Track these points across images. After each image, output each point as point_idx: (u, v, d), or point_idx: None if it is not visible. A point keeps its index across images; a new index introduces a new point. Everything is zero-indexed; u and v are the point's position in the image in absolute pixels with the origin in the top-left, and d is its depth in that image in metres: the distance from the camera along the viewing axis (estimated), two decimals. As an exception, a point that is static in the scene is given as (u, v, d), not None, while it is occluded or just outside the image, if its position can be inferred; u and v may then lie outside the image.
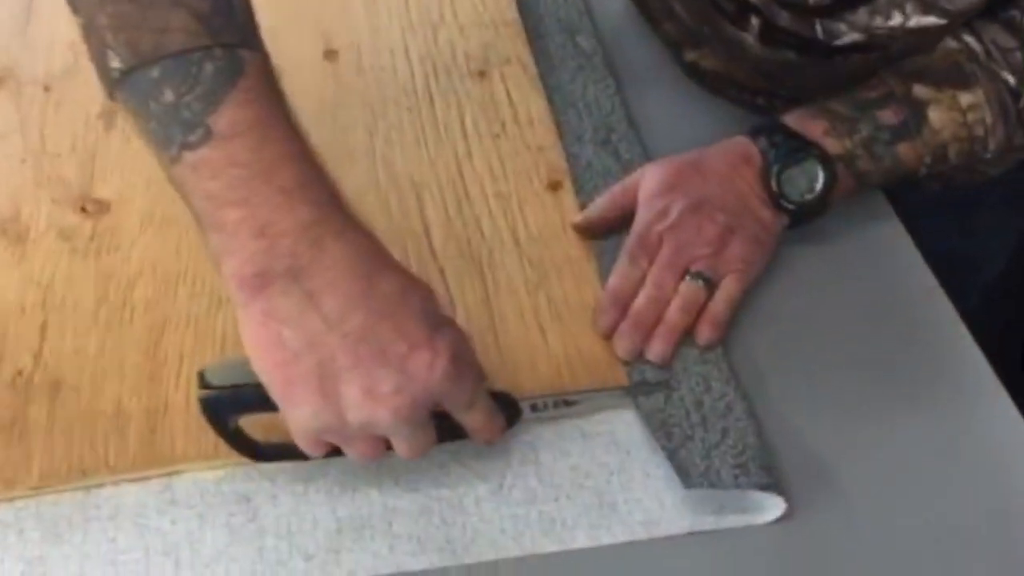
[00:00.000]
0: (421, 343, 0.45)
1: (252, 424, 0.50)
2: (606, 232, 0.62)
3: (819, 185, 0.59)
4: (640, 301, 0.57)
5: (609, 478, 0.52)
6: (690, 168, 0.61)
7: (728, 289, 0.58)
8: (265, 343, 0.45)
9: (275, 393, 0.45)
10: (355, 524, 0.50)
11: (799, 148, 0.60)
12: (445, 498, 0.51)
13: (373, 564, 0.49)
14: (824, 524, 0.50)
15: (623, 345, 0.56)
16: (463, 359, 0.47)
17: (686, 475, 0.51)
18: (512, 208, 0.64)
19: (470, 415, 0.49)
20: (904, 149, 0.60)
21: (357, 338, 0.44)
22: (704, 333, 0.56)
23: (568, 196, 0.64)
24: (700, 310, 0.57)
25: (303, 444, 0.47)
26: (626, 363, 0.56)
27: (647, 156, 0.67)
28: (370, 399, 0.44)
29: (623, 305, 0.57)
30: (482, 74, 0.73)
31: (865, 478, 0.52)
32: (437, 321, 0.47)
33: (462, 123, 0.70)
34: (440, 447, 0.52)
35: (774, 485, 0.50)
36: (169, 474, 0.51)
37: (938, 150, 0.60)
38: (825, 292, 0.61)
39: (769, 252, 0.60)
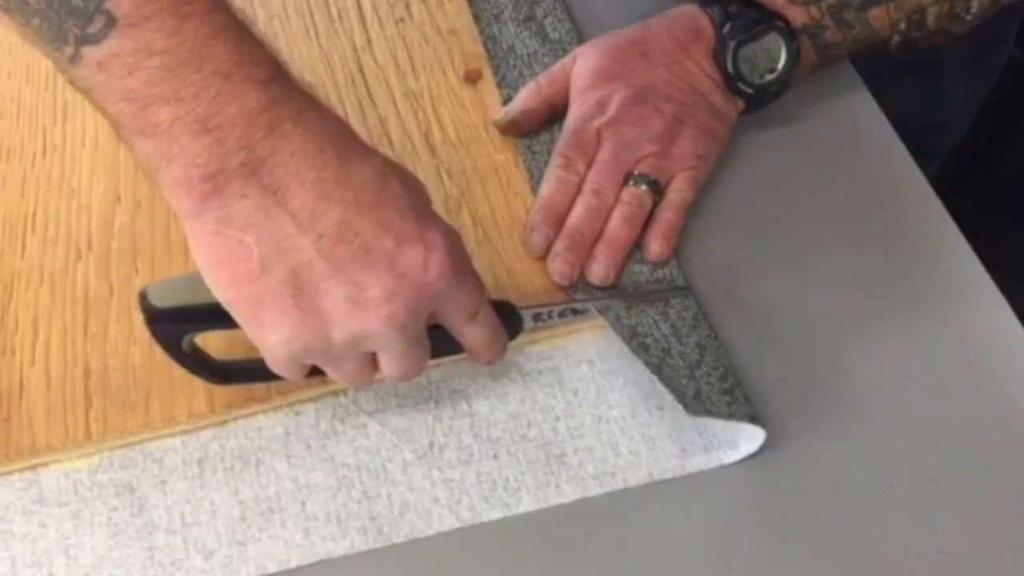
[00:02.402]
0: (411, 236, 0.38)
1: (207, 341, 0.43)
2: (534, 130, 0.53)
3: (781, 64, 0.51)
4: (577, 213, 0.49)
5: (555, 425, 0.45)
6: (631, 49, 0.52)
7: (679, 192, 0.50)
8: (223, 257, 0.37)
9: (241, 316, 0.38)
10: (262, 508, 0.43)
11: (758, 20, 0.51)
12: (366, 466, 0.44)
13: (286, 555, 0.42)
14: (801, 456, 0.44)
15: (558, 268, 0.48)
16: (461, 258, 0.40)
17: (683, 399, 0.43)
18: (424, 108, 0.54)
19: (471, 328, 0.42)
20: (877, 15, 0.51)
21: (334, 237, 0.37)
22: (654, 246, 0.49)
23: (489, 89, 0.55)
24: (647, 219, 0.49)
25: (280, 370, 0.40)
26: (569, 288, 0.48)
27: (579, 34, 0.58)
28: (358, 308, 0.38)
29: (557, 219, 0.49)
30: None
31: (845, 392, 0.46)
32: (427, 211, 0.40)
33: (359, 6, 0.59)
34: (357, 405, 0.45)
35: (758, 417, 0.44)
36: (33, 467, 0.43)
37: (914, 15, 0.51)
38: (786, 181, 0.53)
39: (723, 143, 0.52)
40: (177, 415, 0.44)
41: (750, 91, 0.52)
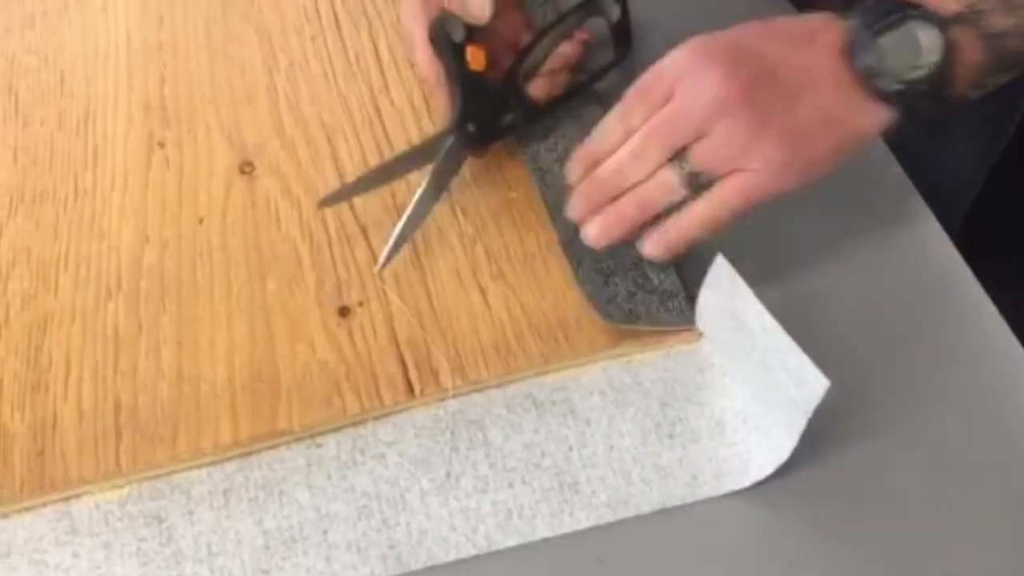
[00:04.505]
0: None
1: None
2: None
3: (931, 57, 0.42)
4: (607, 166, 0.45)
5: (568, 454, 0.46)
6: (744, 41, 0.44)
7: (722, 200, 0.43)
8: None
9: None
10: (285, 537, 0.44)
11: (893, 9, 0.43)
12: (385, 495, 0.45)
13: (308, 582, 0.43)
14: (808, 483, 0.45)
15: (573, 203, 0.47)
16: None
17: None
18: (439, 147, 0.56)
19: None
20: None
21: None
22: (647, 246, 0.46)
23: (501, 128, 0.57)
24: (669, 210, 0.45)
25: None
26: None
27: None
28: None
29: (592, 166, 0.46)
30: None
31: (852, 418, 0.46)
32: None
33: (375, 50, 0.61)
34: (376, 436, 0.47)
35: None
36: (66, 499, 0.45)
37: None
38: (799, 224, 0.52)
39: (826, 162, 0.44)
40: (203, 447, 0.46)
41: (898, 87, 0.43)
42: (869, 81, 0.43)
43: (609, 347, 0.48)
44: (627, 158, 0.45)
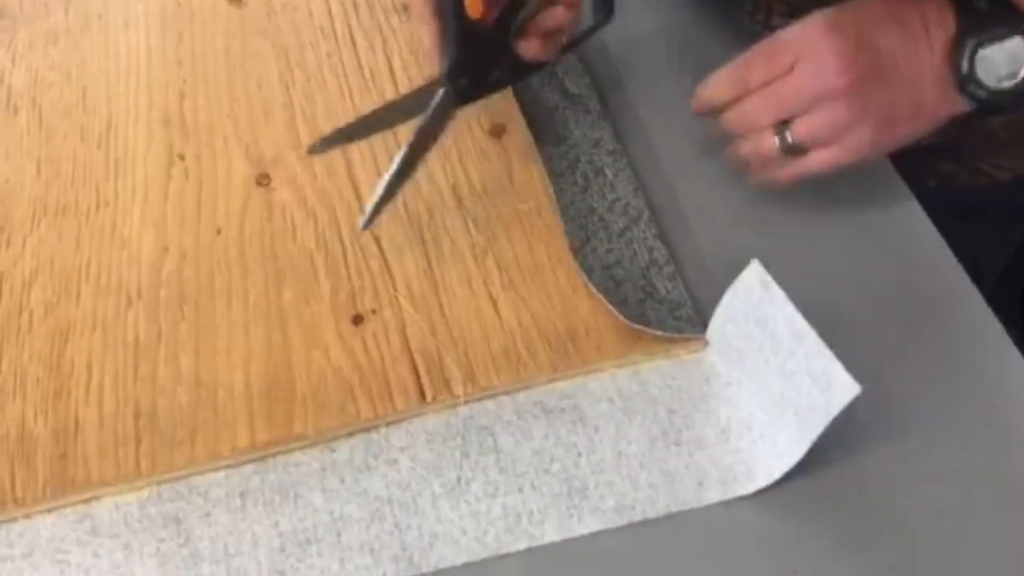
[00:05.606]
0: None
1: None
2: None
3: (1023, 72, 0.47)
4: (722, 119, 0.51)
5: (577, 460, 0.47)
6: (867, 26, 0.49)
7: (807, 164, 0.49)
8: None
9: None
10: (300, 539, 0.45)
11: (1005, 20, 0.47)
12: (397, 499, 0.46)
13: (322, 583, 0.44)
14: (811, 490, 0.46)
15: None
16: None
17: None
18: (452, 161, 0.57)
19: None
20: None
21: None
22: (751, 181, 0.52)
23: (513, 141, 0.58)
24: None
25: None
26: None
27: (596, 87, 0.60)
28: None
29: (709, 111, 0.52)
30: (408, 7, 0.65)
31: (854, 427, 0.47)
32: None
33: (389, 66, 0.63)
34: (388, 442, 0.48)
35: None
36: (87, 500, 0.46)
37: None
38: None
39: (911, 137, 0.49)
40: (221, 451, 0.47)
41: (982, 95, 0.48)
42: (964, 86, 0.48)
43: (617, 356, 0.49)
44: (737, 117, 0.51)
